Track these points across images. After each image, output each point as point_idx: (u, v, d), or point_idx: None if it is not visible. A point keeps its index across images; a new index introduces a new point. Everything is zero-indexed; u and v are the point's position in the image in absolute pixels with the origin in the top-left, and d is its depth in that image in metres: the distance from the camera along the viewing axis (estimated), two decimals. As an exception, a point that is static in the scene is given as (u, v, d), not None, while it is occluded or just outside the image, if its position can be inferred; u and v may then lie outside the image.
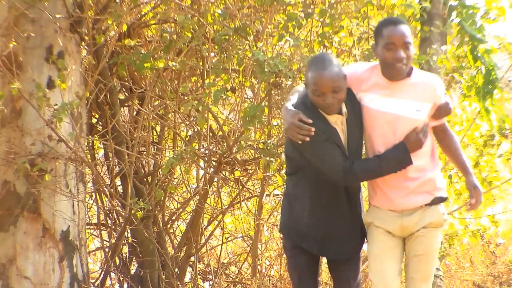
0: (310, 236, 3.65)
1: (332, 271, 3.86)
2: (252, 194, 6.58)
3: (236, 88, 5.57)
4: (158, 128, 6.44)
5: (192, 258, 6.19)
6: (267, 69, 4.74)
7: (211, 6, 5.31)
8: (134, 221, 5.56)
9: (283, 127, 3.51)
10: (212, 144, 5.98)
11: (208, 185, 5.93)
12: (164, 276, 5.90)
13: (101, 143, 5.90)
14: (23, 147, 5.03)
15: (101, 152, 6.31)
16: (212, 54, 5.31)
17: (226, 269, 6.96)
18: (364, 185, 3.85)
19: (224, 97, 5.29)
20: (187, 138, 6.17)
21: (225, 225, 6.84)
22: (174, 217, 6.60)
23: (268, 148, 5.09)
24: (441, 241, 5.24)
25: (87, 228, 6.07)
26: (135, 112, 6.15)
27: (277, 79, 4.82)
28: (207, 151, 5.92)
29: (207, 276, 6.71)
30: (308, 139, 3.42)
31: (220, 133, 5.84)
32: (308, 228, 3.64)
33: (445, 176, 6.20)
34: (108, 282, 6.26)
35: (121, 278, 6.09)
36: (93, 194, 6.18)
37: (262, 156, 5.18)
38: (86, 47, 5.47)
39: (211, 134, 5.96)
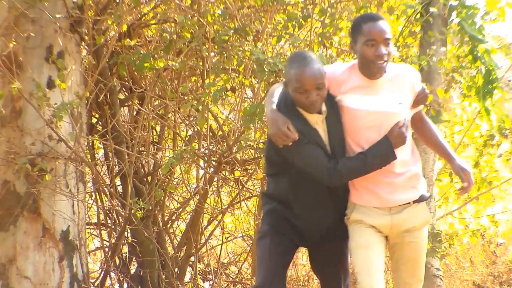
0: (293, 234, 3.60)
1: (317, 268, 3.78)
2: (252, 194, 6.58)
3: (236, 88, 5.57)
4: (158, 128, 6.44)
5: (192, 258, 6.19)
6: (267, 69, 4.74)
7: (211, 6, 5.31)
8: (134, 221, 5.56)
9: (269, 131, 3.41)
10: (212, 144, 5.98)
11: (208, 185, 5.93)
12: (164, 276, 5.90)
13: (101, 143, 5.90)
14: (23, 147, 5.03)
15: (101, 152, 6.31)
16: (212, 54, 5.31)
17: (226, 269, 6.97)
18: None
19: (224, 97, 5.30)
20: (187, 138, 6.17)
21: (225, 225, 6.84)
22: (174, 217, 6.61)
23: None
24: (441, 241, 5.27)
25: (87, 228, 6.07)
26: (135, 112, 6.15)
27: (277, 78, 4.82)
28: (207, 151, 5.92)
29: (207, 276, 6.72)
30: (290, 143, 3.37)
31: (220, 133, 5.84)
32: (291, 227, 3.59)
33: (445, 175, 6.21)
34: (108, 282, 6.27)
35: (121, 278, 6.09)
36: (93, 194, 6.18)
37: (262, 156, 5.18)
38: (86, 47, 5.47)
39: (211, 134, 5.95)
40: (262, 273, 3.56)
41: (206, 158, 5.88)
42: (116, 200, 5.94)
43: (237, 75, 5.41)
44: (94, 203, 6.30)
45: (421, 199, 3.54)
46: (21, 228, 5.04)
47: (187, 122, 6.28)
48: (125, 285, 6.10)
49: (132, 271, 6.13)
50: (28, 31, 5.03)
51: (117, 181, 5.90)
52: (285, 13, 5.50)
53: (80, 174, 5.35)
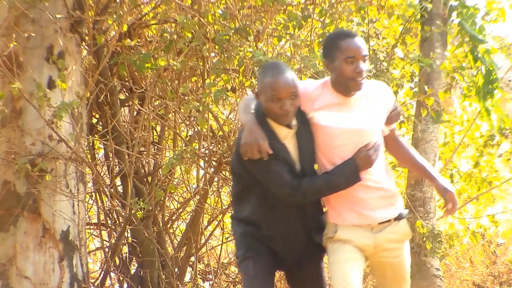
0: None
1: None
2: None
3: (237, 88, 5.57)
4: (158, 128, 6.44)
5: (192, 258, 6.20)
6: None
7: (211, 6, 5.31)
8: (134, 221, 5.56)
9: (243, 140, 3.28)
10: (213, 144, 5.98)
11: (208, 185, 5.93)
12: (164, 276, 5.90)
13: (101, 143, 5.90)
14: (23, 147, 5.03)
15: (101, 152, 6.31)
16: (213, 54, 5.31)
17: (226, 269, 6.96)
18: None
19: (224, 97, 5.29)
20: (187, 138, 6.17)
21: (225, 225, 6.83)
22: (174, 217, 6.61)
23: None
24: (441, 241, 5.27)
25: (87, 228, 6.07)
26: (135, 112, 6.16)
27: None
28: (207, 151, 5.92)
29: (207, 276, 6.72)
30: (257, 157, 3.28)
31: (221, 133, 5.84)
32: (265, 249, 3.49)
33: (445, 176, 6.21)
34: (108, 282, 6.27)
35: (121, 278, 6.09)
36: (93, 194, 6.18)
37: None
38: (87, 47, 5.47)
39: (211, 134, 5.95)
40: None
41: (206, 158, 5.88)
42: (116, 200, 5.95)
43: (237, 75, 5.41)
44: (94, 203, 6.30)
45: (400, 216, 3.48)
46: (21, 228, 5.04)
47: (188, 123, 6.28)
48: (125, 285, 6.10)
49: (132, 271, 6.13)
50: (28, 31, 5.03)
51: (117, 181, 5.90)
52: (285, 13, 5.50)
53: (80, 174, 5.35)
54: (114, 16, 5.20)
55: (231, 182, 3.60)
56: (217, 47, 5.14)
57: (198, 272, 6.36)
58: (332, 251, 3.45)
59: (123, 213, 5.87)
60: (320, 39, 5.28)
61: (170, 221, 6.53)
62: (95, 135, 5.79)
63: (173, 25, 5.66)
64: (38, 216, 5.08)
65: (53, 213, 5.09)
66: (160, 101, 6.00)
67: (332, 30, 5.22)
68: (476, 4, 5.43)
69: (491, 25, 5.53)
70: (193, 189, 6.34)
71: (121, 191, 5.94)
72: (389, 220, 3.45)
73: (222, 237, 6.83)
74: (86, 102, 5.30)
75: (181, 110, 6.00)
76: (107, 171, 6.12)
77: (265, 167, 3.30)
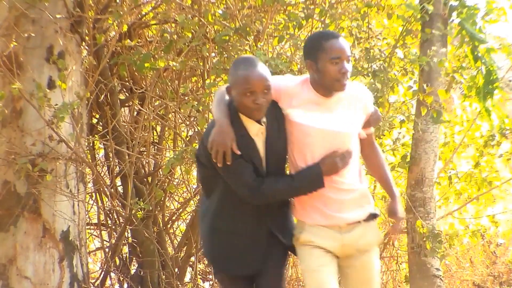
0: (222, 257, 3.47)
1: None
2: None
3: (237, 88, 5.56)
4: (158, 128, 6.44)
5: (192, 258, 6.20)
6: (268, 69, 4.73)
7: (211, 6, 5.32)
8: (134, 221, 5.57)
9: (212, 137, 3.23)
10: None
11: (208, 185, 5.92)
12: (164, 276, 5.90)
13: (102, 143, 5.91)
14: (23, 147, 5.03)
15: (102, 152, 6.31)
16: (213, 54, 5.31)
17: (226, 269, 6.95)
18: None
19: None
20: (187, 138, 6.17)
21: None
22: (174, 217, 6.61)
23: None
24: (441, 241, 5.27)
25: (87, 228, 6.08)
26: (135, 112, 6.16)
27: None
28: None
29: (207, 276, 6.72)
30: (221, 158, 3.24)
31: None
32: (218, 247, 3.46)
33: (445, 177, 6.21)
34: (108, 282, 6.27)
35: (121, 278, 6.10)
36: (94, 194, 6.18)
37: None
38: (87, 47, 5.47)
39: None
40: None
41: (206, 159, 5.87)
42: (117, 201, 5.95)
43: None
44: (95, 204, 6.31)
45: (370, 217, 3.46)
46: (22, 228, 5.05)
47: (188, 123, 6.28)
48: (125, 285, 6.10)
49: (132, 271, 6.13)
50: (28, 31, 5.03)
51: (118, 182, 5.90)
52: (285, 13, 5.50)
53: (80, 174, 5.36)
54: (114, 14, 5.19)
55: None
56: (217, 47, 5.14)
57: (198, 272, 6.36)
58: (303, 257, 3.42)
59: (123, 213, 5.88)
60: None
61: (170, 221, 6.53)
62: (95, 135, 5.79)
63: (173, 25, 5.67)
64: (38, 216, 5.08)
65: (53, 213, 5.10)
66: (160, 101, 6.00)
67: (331, 30, 5.23)
68: (476, 4, 5.42)
69: (491, 25, 5.53)
70: (193, 189, 6.34)
71: (121, 191, 5.95)
72: (359, 221, 3.42)
73: (222, 237, 6.82)
74: (86, 102, 5.31)
75: (181, 110, 6.01)
76: (107, 171, 6.13)
77: (227, 166, 3.25)
